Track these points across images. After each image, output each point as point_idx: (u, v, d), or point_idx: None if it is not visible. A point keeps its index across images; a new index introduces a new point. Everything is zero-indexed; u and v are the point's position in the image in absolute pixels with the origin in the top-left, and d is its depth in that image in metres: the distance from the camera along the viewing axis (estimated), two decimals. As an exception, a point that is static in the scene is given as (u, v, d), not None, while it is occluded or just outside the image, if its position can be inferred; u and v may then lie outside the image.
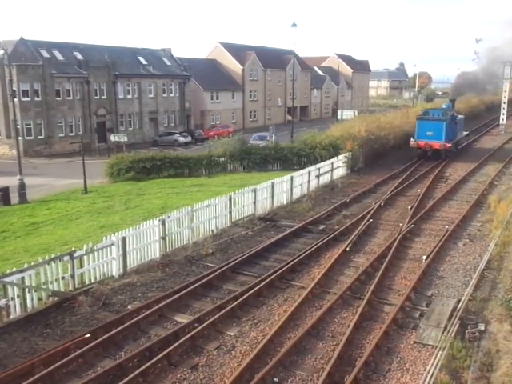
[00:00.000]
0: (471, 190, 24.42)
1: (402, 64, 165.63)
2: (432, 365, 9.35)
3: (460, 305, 11.75)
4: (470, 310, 11.63)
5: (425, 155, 32.50)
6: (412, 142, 33.12)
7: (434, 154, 32.17)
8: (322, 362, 9.70)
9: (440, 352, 9.73)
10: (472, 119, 57.40)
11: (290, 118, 69.55)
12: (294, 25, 40.02)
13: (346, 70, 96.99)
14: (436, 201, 21.64)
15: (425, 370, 9.29)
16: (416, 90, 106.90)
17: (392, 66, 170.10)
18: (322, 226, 18.46)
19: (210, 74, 67.68)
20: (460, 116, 37.81)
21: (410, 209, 20.17)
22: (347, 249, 15.77)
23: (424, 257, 14.82)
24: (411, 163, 31.58)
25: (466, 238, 16.99)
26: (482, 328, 10.72)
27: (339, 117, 66.65)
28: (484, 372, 9.23)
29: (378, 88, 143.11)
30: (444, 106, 38.22)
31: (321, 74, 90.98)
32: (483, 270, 13.98)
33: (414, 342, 10.36)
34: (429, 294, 12.65)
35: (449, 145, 32.15)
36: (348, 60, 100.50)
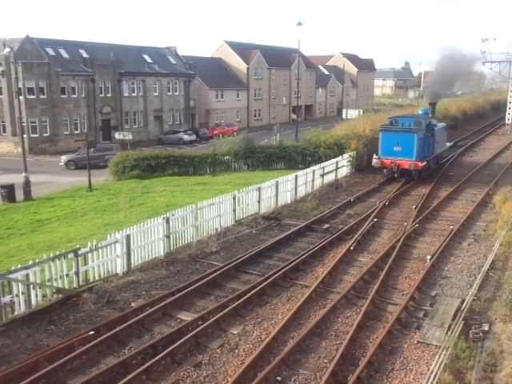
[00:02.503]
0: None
1: (407, 63, 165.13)
2: (435, 365, 9.33)
3: (464, 305, 11.72)
4: (474, 310, 11.60)
5: (393, 176, 25.76)
6: (375, 159, 26.12)
7: (402, 175, 25.65)
8: (326, 361, 9.70)
9: (444, 352, 9.71)
10: (477, 119, 57.23)
11: (294, 116, 69.48)
12: (300, 23, 40.02)
13: (351, 68, 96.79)
14: (441, 200, 21.57)
15: (428, 370, 9.27)
16: (421, 89, 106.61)
17: (397, 65, 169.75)
18: (326, 225, 18.44)
19: (215, 73, 67.70)
20: (440, 125, 29.84)
21: (415, 208, 20.12)
22: (351, 248, 15.75)
23: (428, 256, 14.79)
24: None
25: (471, 238, 16.94)
26: (486, 328, 10.69)
27: (344, 116, 66.48)
28: (488, 372, 9.20)
29: (383, 87, 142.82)
30: (420, 112, 30.69)
31: (326, 72, 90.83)
32: (488, 270, 13.93)
33: (418, 342, 10.35)
34: (433, 294, 12.62)
35: (421, 164, 24.84)
36: (353, 59, 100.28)
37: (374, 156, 26.52)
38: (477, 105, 60.92)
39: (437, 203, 21.08)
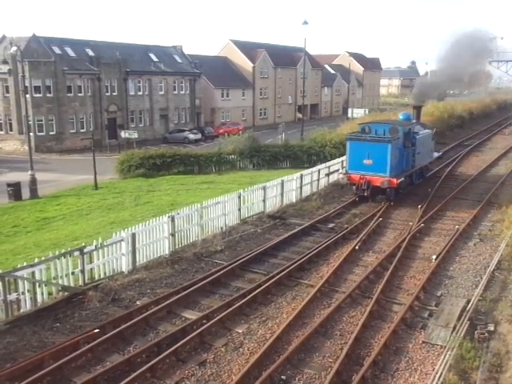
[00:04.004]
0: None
1: (413, 62, 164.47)
2: (440, 365, 9.30)
3: (470, 305, 11.67)
4: (479, 310, 11.54)
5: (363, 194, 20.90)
6: (341, 173, 22.75)
7: (374, 194, 21.16)
8: (330, 360, 9.69)
9: (449, 352, 9.68)
10: (484, 118, 57.01)
11: (300, 115, 69.42)
12: (305, 22, 39.97)
13: (357, 68, 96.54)
14: (447, 200, 21.48)
15: (433, 370, 9.24)
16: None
17: (403, 64, 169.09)
18: (331, 225, 18.41)
19: (221, 72, 67.72)
20: (424, 132, 25.00)
21: (420, 208, 20.05)
22: (356, 247, 15.72)
23: (434, 256, 14.74)
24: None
25: (477, 238, 16.87)
26: (492, 329, 10.64)
27: (349, 115, 66.47)
28: (493, 373, 9.17)
29: (389, 86, 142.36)
30: (400, 117, 25.47)
31: (331, 71, 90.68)
32: (493, 270, 13.87)
33: (423, 342, 10.32)
34: (438, 294, 12.58)
35: (396, 180, 20.32)
36: (359, 58, 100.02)
37: (340, 170, 23.23)
38: (483, 104, 60.66)
39: (443, 203, 20.96)
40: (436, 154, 27.76)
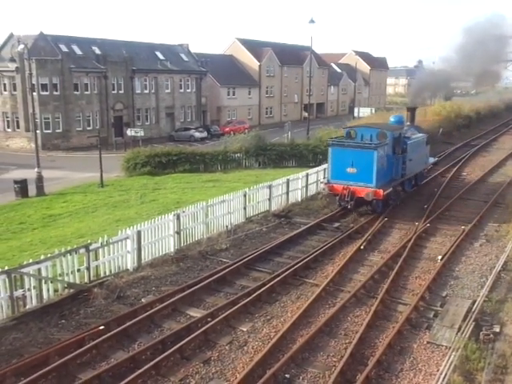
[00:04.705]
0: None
1: (420, 62, 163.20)
2: (445, 366, 9.27)
3: (475, 306, 11.62)
4: (485, 311, 11.49)
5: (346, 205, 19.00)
6: (323, 183, 20.40)
7: (359, 205, 19.30)
8: (334, 359, 9.69)
9: (454, 353, 9.64)
10: (491, 118, 56.73)
11: (306, 114, 69.34)
12: (312, 21, 39.87)
13: (364, 67, 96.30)
14: (453, 200, 21.40)
15: (438, 371, 9.22)
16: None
17: (410, 63, 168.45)
18: (336, 224, 18.38)
19: (227, 70, 67.73)
20: (417, 137, 22.76)
21: (426, 208, 19.98)
22: (362, 247, 15.69)
23: (439, 257, 14.69)
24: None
25: (483, 239, 16.80)
26: (497, 330, 10.59)
27: (356, 114, 66.32)
28: (498, 374, 9.13)
29: (395, 85, 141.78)
30: (392, 120, 23.43)
31: (338, 70, 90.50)
32: (500, 271, 13.81)
33: (428, 343, 10.29)
34: (443, 295, 12.54)
35: (383, 191, 18.29)
36: (366, 57, 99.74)
37: (322, 179, 21.53)
38: (491, 104, 60.35)
39: (449, 203, 20.88)
40: (432, 160, 25.75)
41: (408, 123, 23.89)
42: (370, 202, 18.69)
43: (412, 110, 25.02)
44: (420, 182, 24.12)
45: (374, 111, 61.82)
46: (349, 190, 18.54)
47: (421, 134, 23.54)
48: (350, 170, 18.68)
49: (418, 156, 22.59)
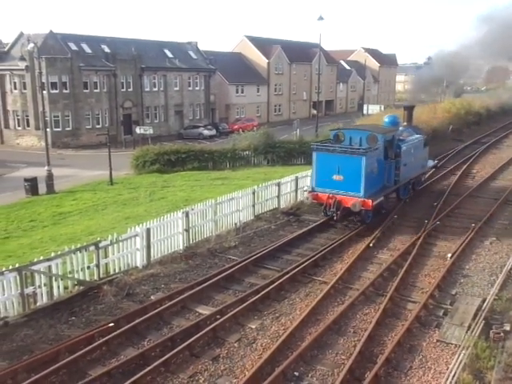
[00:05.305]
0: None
1: (430, 58, 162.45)
2: (455, 364, 9.23)
3: (485, 304, 11.55)
4: (495, 309, 11.42)
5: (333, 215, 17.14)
6: (307, 191, 18.49)
7: (346, 215, 17.59)
8: (343, 357, 9.68)
9: (463, 351, 9.60)
10: (502, 115, 56.25)
11: (314, 112, 69.16)
12: (321, 18, 39.73)
13: (373, 63, 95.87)
14: (463, 198, 21.26)
15: (447, 369, 9.18)
16: (444, 84, 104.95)
17: (420, 60, 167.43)
18: (345, 222, 18.31)
19: (236, 68, 67.73)
20: (412, 138, 20.77)
21: (436, 205, 19.87)
22: (371, 245, 15.64)
23: (449, 254, 14.61)
24: (438, 159, 31.00)
25: (493, 237, 16.68)
26: (508, 328, 10.51)
27: (365, 111, 66.00)
28: (508, 373, 9.06)
29: (405, 82, 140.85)
30: (386, 120, 21.35)
31: (347, 67, 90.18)
32: (510, 269, 13.70)
33: (437, 341, 10.24)
34: (453, 293, 12.47)
35: (372, 201, 16.69)
36: (375, 54, 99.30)
37: (306, 187, 19.68)
38: (501, 101, 59.79)
39: (459, 201, 20.75)
40: (431, 163, 23.76)
41: (404, 123, 22.28)
42: (358, 212, 17.09)
43: (409, 109, 23.12)
44: (418, 187, 22.23)
45: (383, 108, 61.47)
46: (335, 199, 16.85)
47: (418, 136, 21.58)
48: (336, 177, 17.07)
49: (415, 160, 20.68)
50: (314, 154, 17.82)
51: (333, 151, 17.23)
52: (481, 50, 24.50)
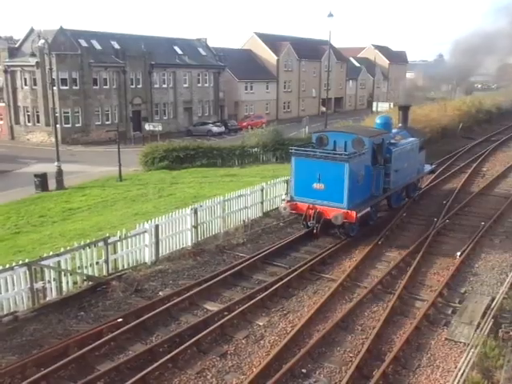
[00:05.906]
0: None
1: (440, 55, 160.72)
2: (463, 362, 9.18)
3: (494, 303, 11.48)
4: (504, 308, 11.33)
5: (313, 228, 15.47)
6: (284, 200, 16.78)
7: (328, 227, 15.66)
8: (351, 355, 9.66)
9: (472, 350, 9.54)
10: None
11: (323, 109, 68.91)
12: (331, 15, 39.51)
13: (383, 61, 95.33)
14: (472, 196, 21.11)
15: (456, 368, 9.13)
16: (454, 82, 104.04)
17: (430, 57, 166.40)
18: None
19: (245, 65, 67.65)
20: (406, 142, 18.81)
21: (445, 203, 19.74)
22: (379, 242, 15.58)
23: (458, 253, 14.52)
24: (448, 157, 30.81)
25: (503, 235, 16.55)
26: (517, 327, 10.45)
27: (374, 109, 65.65)
28: (518, 372, 9.01)
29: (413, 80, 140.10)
30: (377, 122, 19.37)
31: (357, 65, 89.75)
32: (520, 268, 13.60)
33: (446, 339, 10.20)
34: (462, 291, 12.40)
35: (356, 213, 14.93)
36: (385, 51, 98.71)
37: (283, 196, 18.48)
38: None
39: (468, 199, 20.61)
40: (428, 168, 21.60)
41: (399, 125, 20.79)
42: (343, 225, 15.36)
43: (404, 109, 21.14)
44: (413, 194, 20.25)
45: (392, 106, 61.12)
46: (315, 210, 15.13)
47: (412, 139, 19.54)
48: (316, 185, 15.28)
49: (408, 165, 18.66)
50: (293, 159, 15.99)
51: (313, 156, 15.48)
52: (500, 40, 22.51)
